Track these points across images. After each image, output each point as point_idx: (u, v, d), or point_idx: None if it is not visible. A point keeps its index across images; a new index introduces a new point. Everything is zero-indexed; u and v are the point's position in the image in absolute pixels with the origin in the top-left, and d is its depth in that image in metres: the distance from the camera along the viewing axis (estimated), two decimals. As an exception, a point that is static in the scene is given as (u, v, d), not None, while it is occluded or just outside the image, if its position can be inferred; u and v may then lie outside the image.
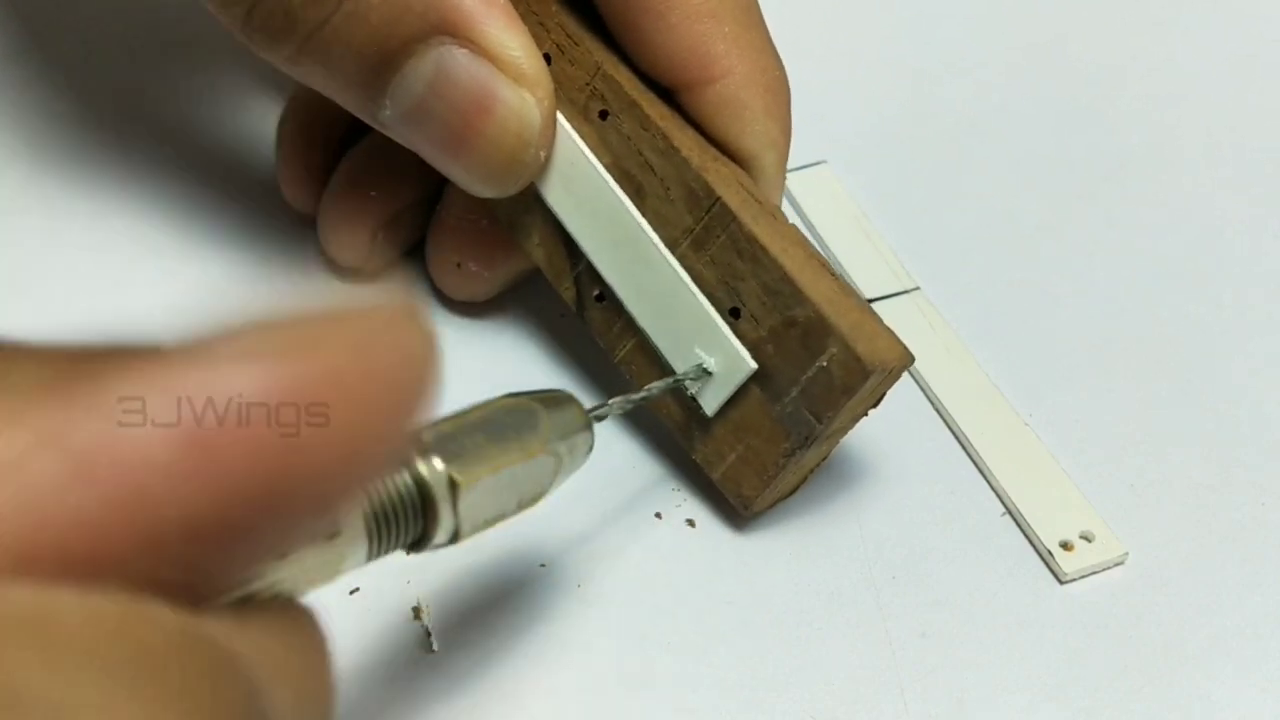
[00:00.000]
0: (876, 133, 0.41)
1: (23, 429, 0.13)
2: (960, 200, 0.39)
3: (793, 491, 0.31)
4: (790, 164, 0.32)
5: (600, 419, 0.26)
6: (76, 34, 0.40)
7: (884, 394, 0.29)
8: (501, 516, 0.23)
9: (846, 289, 0.29)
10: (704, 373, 0.29)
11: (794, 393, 0.28)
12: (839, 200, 0.38)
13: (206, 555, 0.14)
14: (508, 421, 0.23)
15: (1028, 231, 0.39)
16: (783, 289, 0.28)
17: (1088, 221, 0.39)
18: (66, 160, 0.36)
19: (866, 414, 0.30)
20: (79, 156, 0.36)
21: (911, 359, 0.29)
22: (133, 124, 0.37)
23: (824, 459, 0.31)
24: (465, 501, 0.22)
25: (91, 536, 0.13)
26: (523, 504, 0.24)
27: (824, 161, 0.39)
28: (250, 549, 0.15)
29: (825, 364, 0.28)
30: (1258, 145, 0.42)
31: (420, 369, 0.16)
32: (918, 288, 0.36)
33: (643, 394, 0.29)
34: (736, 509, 0.30)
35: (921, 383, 0.34)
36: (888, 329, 0.29)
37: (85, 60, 0.39)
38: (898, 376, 0.29)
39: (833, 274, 0.29)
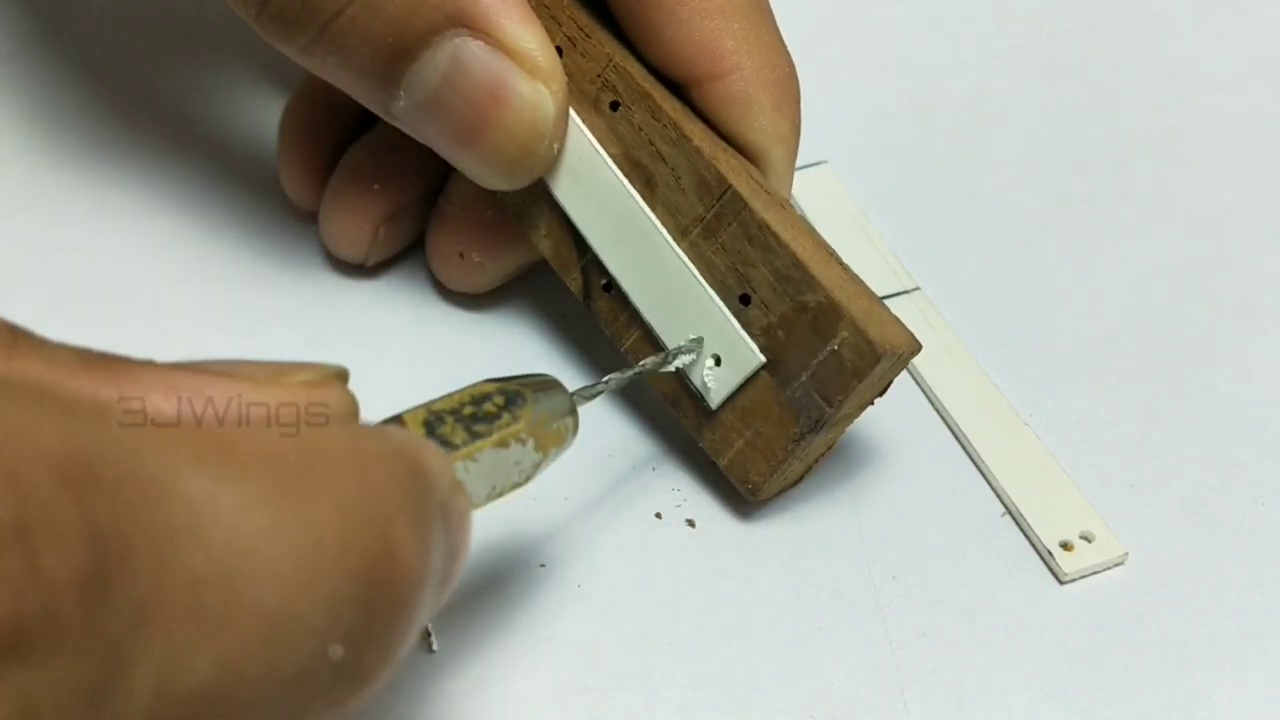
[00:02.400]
0: (876, 133, 0.41)
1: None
2: (960, 200, 0.39)
3: (798, 481, 0.31)
4: (791, 189, 0.32)
5: (588, 399, 0.27)
6: (76, 30, 0.40)
7: (891, 382, 0.30)
8: (481, 502, 0.23)
9: (855, 278, 0.29)
10: (696, 347, 0.29)
11: (804, 377, 0.28)
12: (839, 200, 0.38)
13: None
14: (490, 407, 0.23)
15: (1028, 231, 0.39)
16: (794, 274, 0.28)
17: (1088, 221, 0.39)
18: (66, 156, 0.36)
19: (873, 402, 0.30)
20: (78, 152, 0.36)
21: (919, 347, 0.29)
22: (133, 120, 0.37)
23: (830, 448, 0.31)
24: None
25: None
26: (504, 490, 0.24)
27: (824, 161, 0.39)
28: None
29: (836, 347, 0.28)
30: (1258, 145, 0.42)
31: None
32: (918, 288, 0.36)
33: (634, 372, 0.29)
34: (743, 496, 0.30)
35: (921, 383, 0.34)
36: (895, 317, 0.29)
37: (85, 56, 0.39)
38: (906, 363, 0.29)
39: (841, 263, 0.30)
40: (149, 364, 0.17)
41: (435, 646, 0.28)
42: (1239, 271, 0.38)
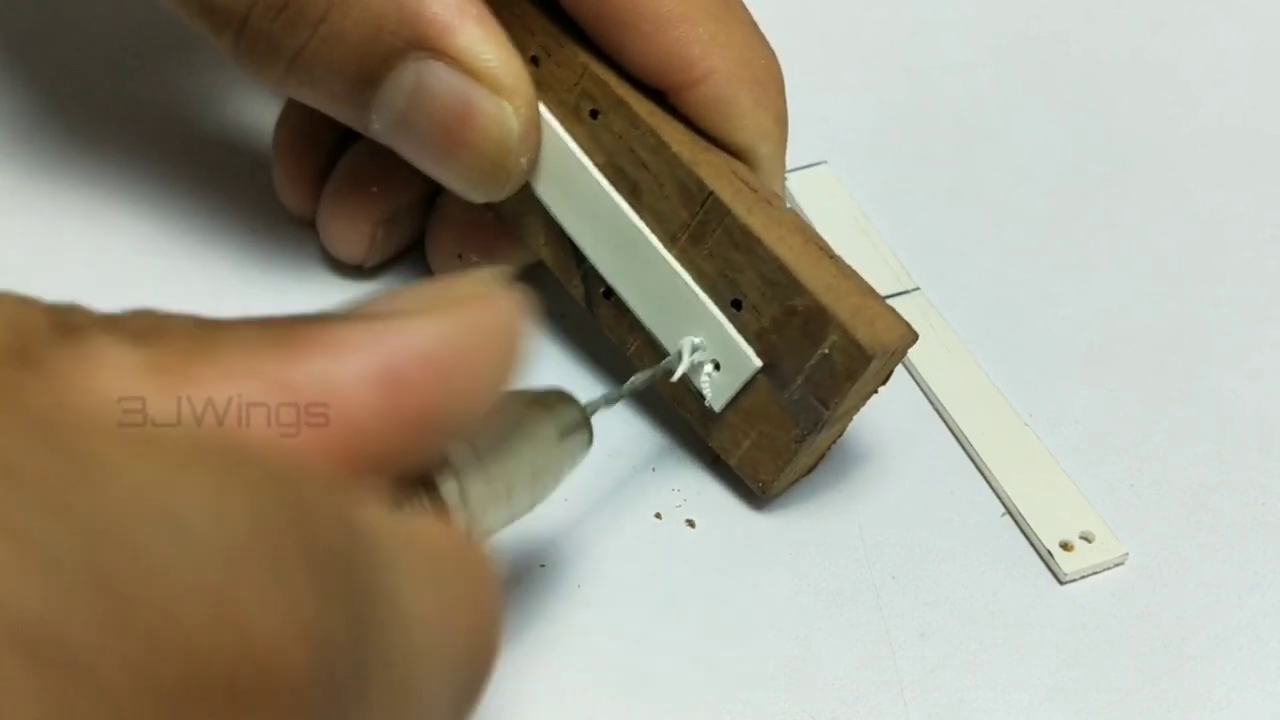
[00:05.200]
0: (876, 133, 0.41)
1: (252, 379, 0.16)
2: (960, 200, 0.39)
3: (810, 470, 0.31)
4: (790, 164, 0.32)
5: (595, 412, 0.27)
6: (76, 34, 0.40)
7: (891, 372, 0.30)
8: (510, 520, 0.24)
9: (846, 271, 0.29)
10: (693, 352, 0.29)
11: (799, 380, 0.28)
12: (839, 200, 0.38)
13: (388, 462, 0.18)
14: (514, 428, 0.24)
15: (1028, 231, 0.39)
16: (780, 279, 0.28)
17: (1088, 221, 0.39)
18: (66, 161, 0.36)
19: (877, 391, 0.30)
20: (78, 157, 0.36)
21: (915, 337, 0.29)
22: (133, 124, 0.37)
23: (839, 436, 0.31)
24: (475, 509, 0.22)
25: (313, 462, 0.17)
26: (528, 507, 0.24)
27: (824, 161, 0.39)
28: (416, 455, 0.18)
29: (827, 351, 0.28)
30: (1258, 145, 0.42)
31: (518, 325, 0.19)
32: (918, 288, 0.36)
33: (629, 385, 0.29)
34: (755, 492, 0.30)
35: (921, 383, 0.34)
36: (889, 309, 0.29)
37: (85, 61, 0.39)
38: (902, 355, 0.29)
39: (832, 257, 0.29)
40: (329, 320, 0.18)
41: (435, 647, 0.28)
42: (1239, 271, 0.38)
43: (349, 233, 0.34)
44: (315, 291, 0.34)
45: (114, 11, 0.40)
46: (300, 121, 0.35)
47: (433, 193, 0.34)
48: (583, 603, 0.29)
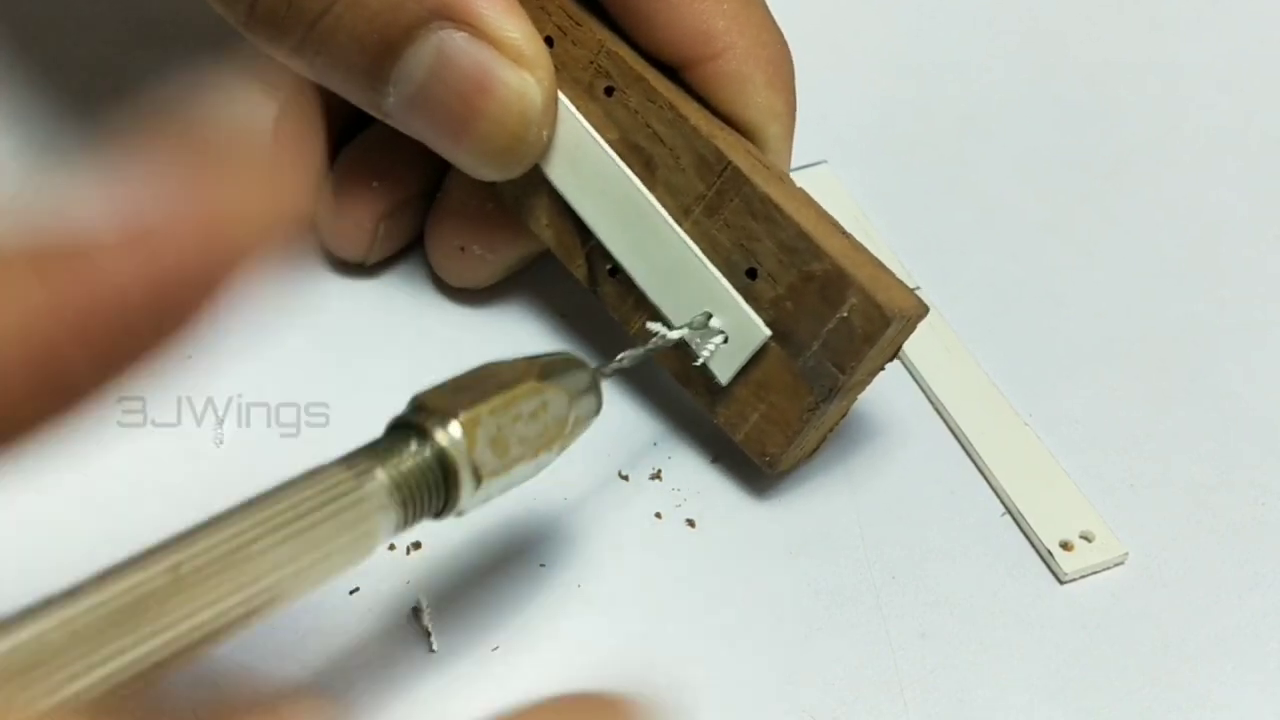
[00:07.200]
0: (876, 133, 0.41)
1: None
2: (960, 200, 0.39)
3: (814, 452, 0.31)
4: (790, 164, 0.32)
5: (608, 376, 0.27)
6: (73, 31, 0.40)
7: (900, 346, 0.30)
8: (518, 481, 0.25)
9: (858, 245, 0.29)
10: (706, 322, 0.29)
11: (815, 346, 0.28)
12: (839, 200, 0.38)
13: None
14: (535, 415, 0.24)
15: (1028, 231, 0.39)
16: (799, 245, 0.28)
17: (1088, 221, 0.39)
18: (62, 158, 0.36)
19: (883, 368, 0.30)
20: (75, 154, 0.36)
21: (926, 310, 0.29)
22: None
23: (843, 416, 0.31)
24: (484, 469, 0.23)
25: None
26: (536, 468, 0.25)
27: (824, 161, 0.39)
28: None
29: (846, 314, 0.28)
30: (1258, 145, 0.42)
31: None
32: (918, 288, 0.36)
33: (646, 349, 0.29)
34: (761, 468, 0.30)
35: (921, 383, 0.34)
36: (900, 282, 0.29)
37: (81, 58, 0.39)
38: (914, 327, 0.29)
39: (844, 232, 0.30)
40: None
41: (435, 647, 0.28)
42: (1239, 271, 0.38)
43: (350, 230, 0.34)
44: (316, 290, 0.34)
45: (113, 8, 0.40)
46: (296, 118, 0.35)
47: (433, 187, 0.34)
48: (583, 602, 0.29)
